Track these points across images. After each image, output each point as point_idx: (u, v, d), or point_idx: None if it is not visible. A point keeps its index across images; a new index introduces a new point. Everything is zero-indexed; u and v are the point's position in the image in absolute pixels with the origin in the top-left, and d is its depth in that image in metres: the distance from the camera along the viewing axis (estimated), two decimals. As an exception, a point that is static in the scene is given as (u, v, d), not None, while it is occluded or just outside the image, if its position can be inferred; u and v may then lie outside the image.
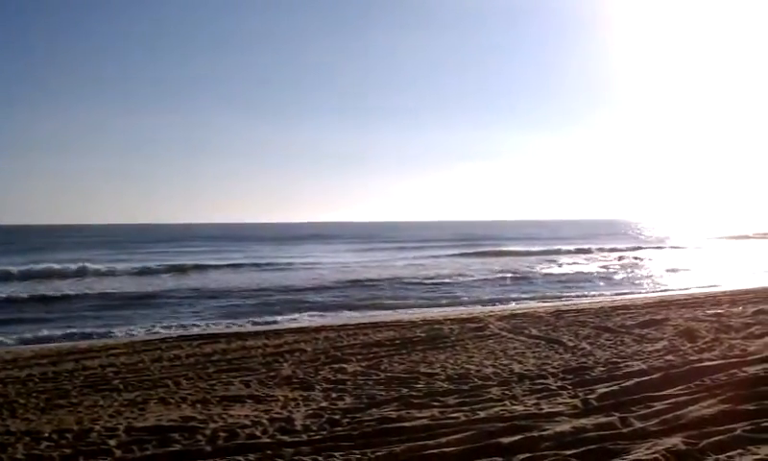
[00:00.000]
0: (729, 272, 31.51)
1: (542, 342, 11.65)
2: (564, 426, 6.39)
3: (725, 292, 20.20)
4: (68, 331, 17.31)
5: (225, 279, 33.21)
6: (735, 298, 17.42)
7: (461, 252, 53.54)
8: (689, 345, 10.65)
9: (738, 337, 11.16)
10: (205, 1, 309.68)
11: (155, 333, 16.53)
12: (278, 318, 19.32)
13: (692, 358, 9.50)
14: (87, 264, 37.07)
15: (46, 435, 6.89)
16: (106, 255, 54.39)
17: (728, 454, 5.50)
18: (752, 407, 6.75)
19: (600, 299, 22.11)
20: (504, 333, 12.68)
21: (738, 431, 5.96)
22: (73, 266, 36.11)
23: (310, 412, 7.50)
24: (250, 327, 16.85)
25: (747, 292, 19.51)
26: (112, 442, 6.58)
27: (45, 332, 17.06)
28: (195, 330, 16.57)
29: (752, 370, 8.48)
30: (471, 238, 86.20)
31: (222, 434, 6.72)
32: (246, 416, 7.46)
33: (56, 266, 36.03)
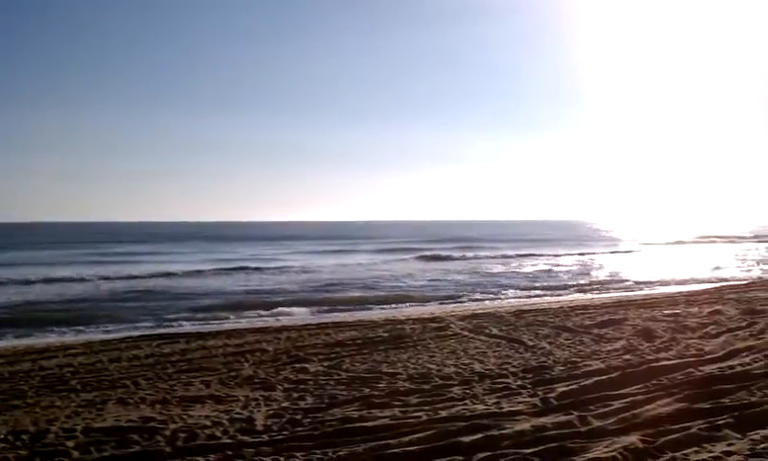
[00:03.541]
0: (685, 274, 32.04)
1: (503, 341, 11.74)
2: (524, 425, 6.45)
3: (681, 293, 20.54)
4: (27, 332, 16.99)
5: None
6: (692, 298, 17.73)
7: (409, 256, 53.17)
8: (647, 344, 10.82)
9: (695, 337, 11.37)
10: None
11: (113, 333, 16.29)
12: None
13: (650, 358, 9.66)
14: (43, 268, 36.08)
15: (1, 437, 6.75)
16: (60, 257, 53.50)
17: (684, 452, 5.60)
18: (707, 406, 6.89)
19: (560, 299, 22.34)
20: (465, 333, 12.74)
21: (694, 429, 6.07)
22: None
23: (271, 412, 7.47)
24: (210, 327, 16.70)
25: (703, 293, 19.86)
26: (70, 443, 6.47)
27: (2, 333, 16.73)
28: (154, 330, 16.38)
29: (707, 369, 8.67)
30: (435, 239, 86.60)
31: (182, 435, 6.65)
32: (206, 416, 7.40)
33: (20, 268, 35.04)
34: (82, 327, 17.75)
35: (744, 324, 12.46)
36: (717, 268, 35.20)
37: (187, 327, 17.56)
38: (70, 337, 15.82)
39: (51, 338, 15.84)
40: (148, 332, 15.49)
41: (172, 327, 17.68)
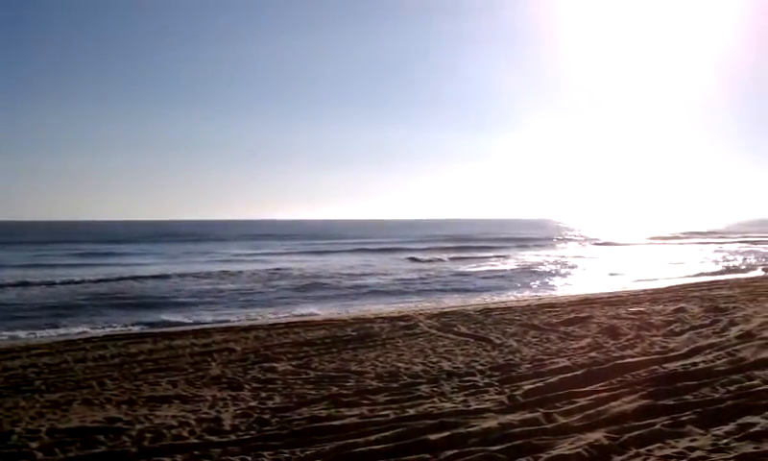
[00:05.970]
0: (650, 272, 32.46)
1: (471, 340, 11.80)
2: (491, 423, 6.50)
3: (646, 290, 20.77)
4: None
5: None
6: (656, 296, 17.96)
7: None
8: (612, 342, 10.95)
9: (659, 334, 11.52)
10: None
11: (79, 333, 16.08)
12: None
13: (615, 355, 9.77)
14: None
15: (-37, 439, 6.65)
16: (36, 257, 52.84)
17: (648, 448, 5.68)
18: (671, 402, 7.00)
19: (527, 297, 22.48)
20: (434, 331, 12.80)
21: (658, 426, 6.17)
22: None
23: (239, 412, 7.44)
24: (177, 327, 16.57)
25: (667, 290, 20.13)
26: (34, 444, 6.39)
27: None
28: (120, 330, 16.21)
29: (671, 366, 8.80)
30: (410, 239, 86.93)
31: (148, 435, 6.61)
32: (173, 416, 7.35)
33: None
34: (46, 328, 17.49)
35: (707, 321, 12.66)
36: (682, 266, 35.71)
37: (154, 326, 17.37)
38: (34, 338, 15.58)
39: (15, 339, 15.58)
40: (114, 332, 15.33)
41: (138, 327, 17.49)
